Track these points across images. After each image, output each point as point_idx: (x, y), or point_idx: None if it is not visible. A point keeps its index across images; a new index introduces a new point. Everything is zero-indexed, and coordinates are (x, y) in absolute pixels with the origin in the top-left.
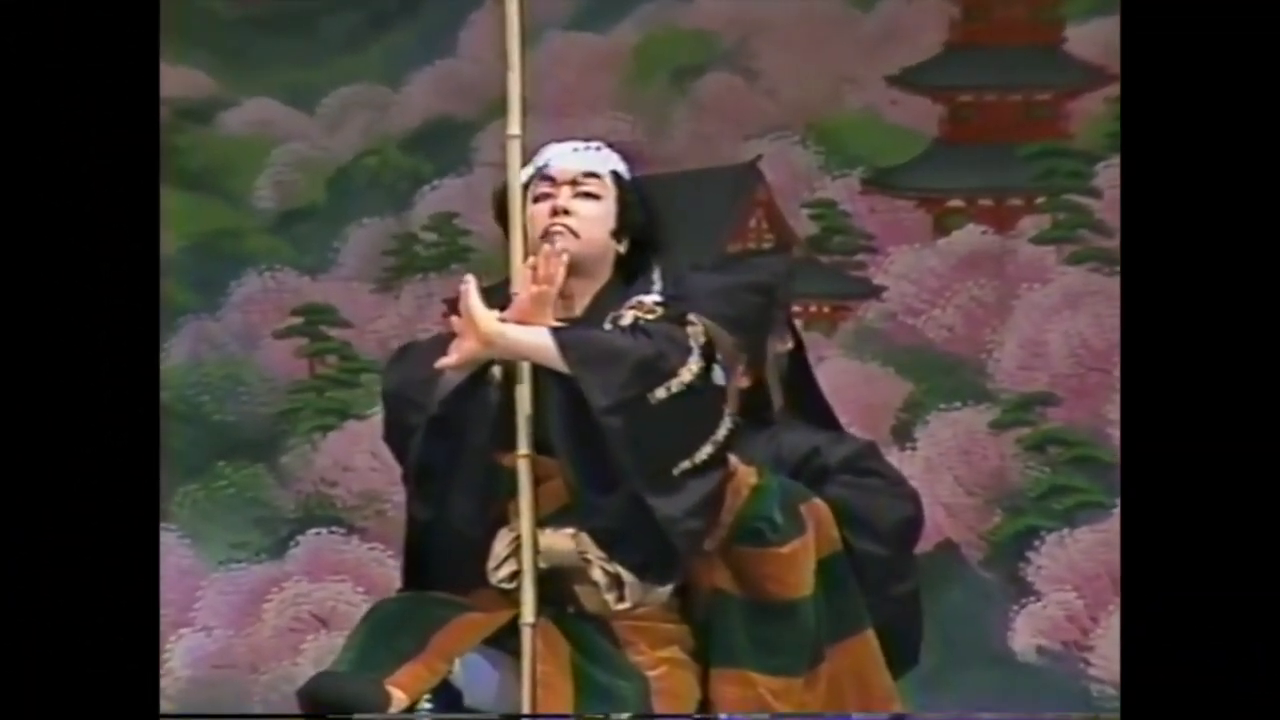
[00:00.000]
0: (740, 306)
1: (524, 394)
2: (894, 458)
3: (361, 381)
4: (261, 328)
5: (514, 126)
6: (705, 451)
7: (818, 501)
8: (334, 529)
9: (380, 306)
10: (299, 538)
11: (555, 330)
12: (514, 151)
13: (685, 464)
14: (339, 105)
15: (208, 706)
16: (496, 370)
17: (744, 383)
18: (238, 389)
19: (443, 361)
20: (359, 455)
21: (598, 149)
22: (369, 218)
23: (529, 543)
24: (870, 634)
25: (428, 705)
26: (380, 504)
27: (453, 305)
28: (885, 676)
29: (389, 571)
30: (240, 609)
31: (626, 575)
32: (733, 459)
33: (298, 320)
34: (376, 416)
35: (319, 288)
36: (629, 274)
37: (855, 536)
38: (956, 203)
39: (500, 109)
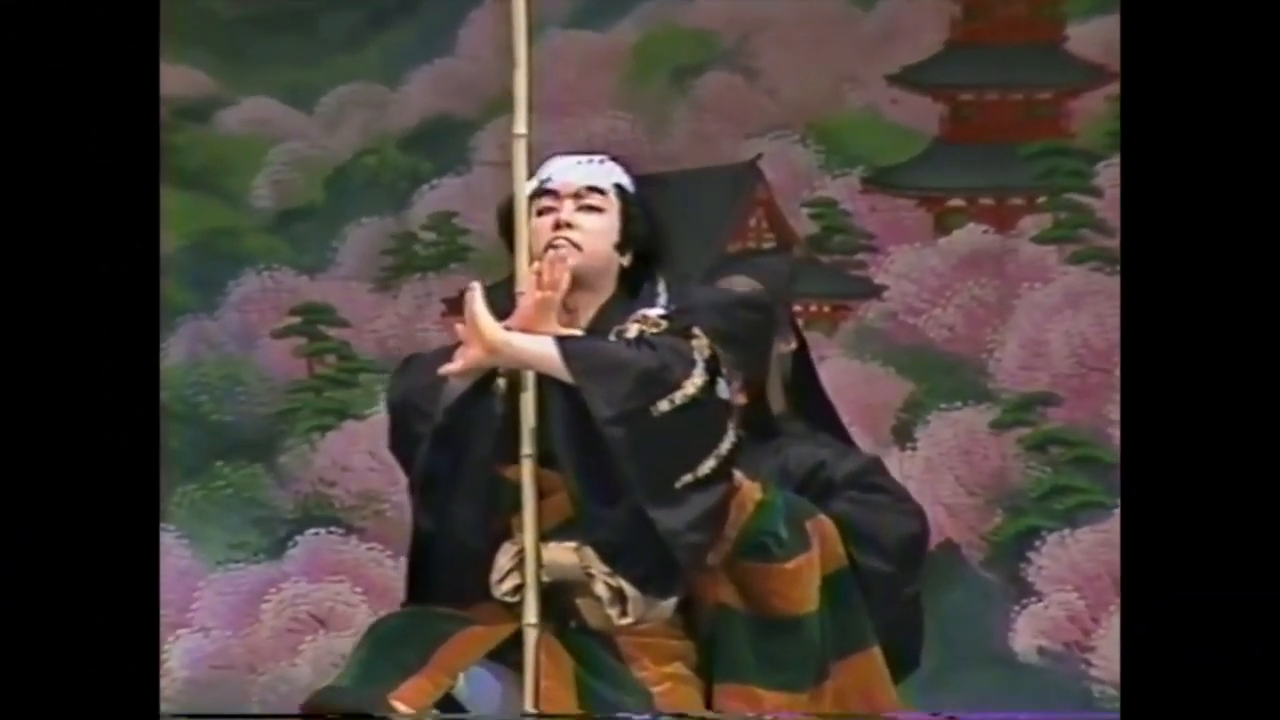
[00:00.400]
0: (736, 323)
1: (528, 405)
2: (895, 458)
3: (360, 381)
4: (260, 327)
5: (520, 125)
6: (708, 465)
7: (823, 518)
8: (332, 529)
9: (379, 306)
10: (297, 538)
11: (560, 340)
12: (520, 151)
13: (688, 477)
14: (337, 104)
15: (206, 707)
16: (501, 382)
17: (740, 399)
18: (236, 389)
19: (447, 368)
20: (357, 455)
21: (600, 162)
22: (367, 217)
23: (532, 555)
24: (876, 651)
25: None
26: (379, 504)
27: (452, 305)
28: (891, 693)
29: (387, 572)
30: (238, 610)
31: (629, 589)
32: (737, 474)
33: (296, 320)
34: (375, 417)
35: (317, 287)
36: (633, 287)
37: (861, 552)
38: (957, 202)
39: (500, 108)
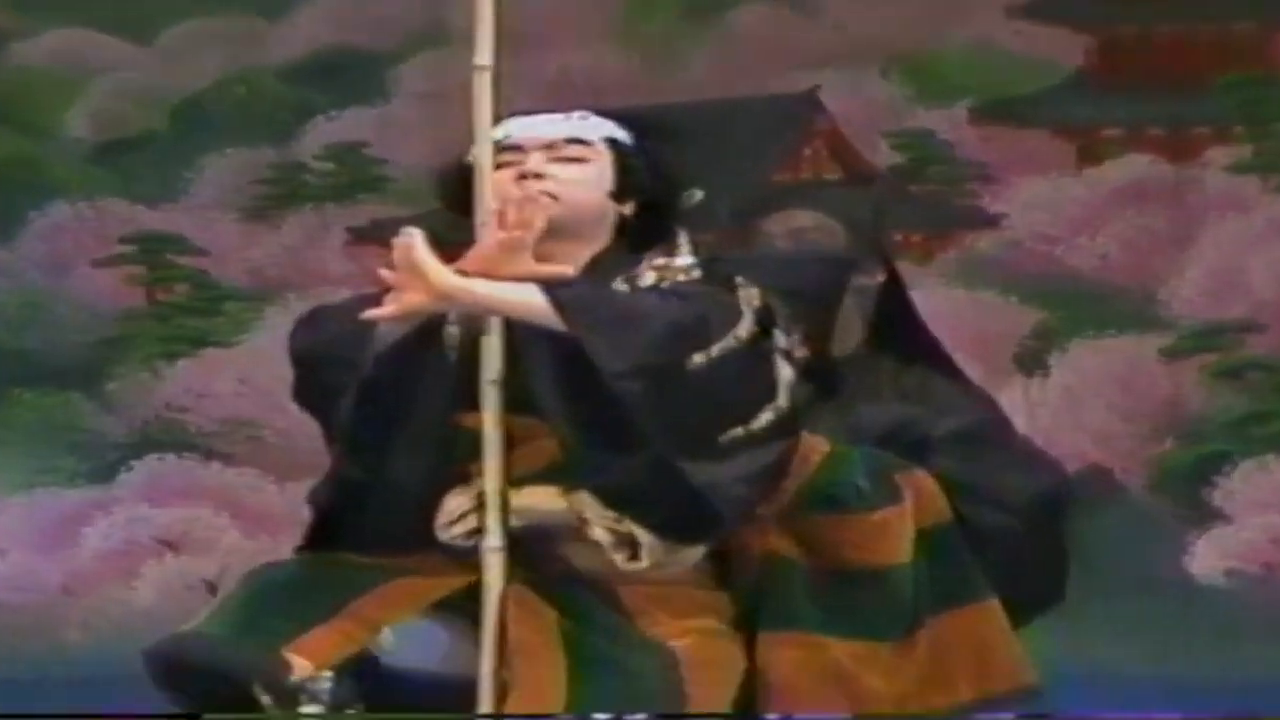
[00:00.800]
0: (805, 279)
1: (493, 351)
2: (1018, 385)
3: (225, 310)
4: (75, 257)
5: (483, 56)
6: (765, 418)
7: (919, 472)
8: (184, 454)
9: (252, 235)
10: (133, 463)
11: (550, 289)
12: (482, 85)
13: (738, 431)
14: (185, 36)
15: (9, 630)
16: (454, 329)
17: (802, 352)
18: (41, 317)
19: (376, 313)
20: (220, 382)
21: (583, 118)
22: (233, 148)
23: (495, 503)
24: (992, 604)
25: (327, 677)
26: (253, 430)
27: (360, 235)
28: (1010, 645)
29: (268, 498)
30: (48, 533)
31: (643, 534)
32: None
33: (129, 248)
34: (247, 344)
35: (160, 216)
36: (640, 237)
37: (975, 508)
38: (1113, 133)
39: (429, 40)
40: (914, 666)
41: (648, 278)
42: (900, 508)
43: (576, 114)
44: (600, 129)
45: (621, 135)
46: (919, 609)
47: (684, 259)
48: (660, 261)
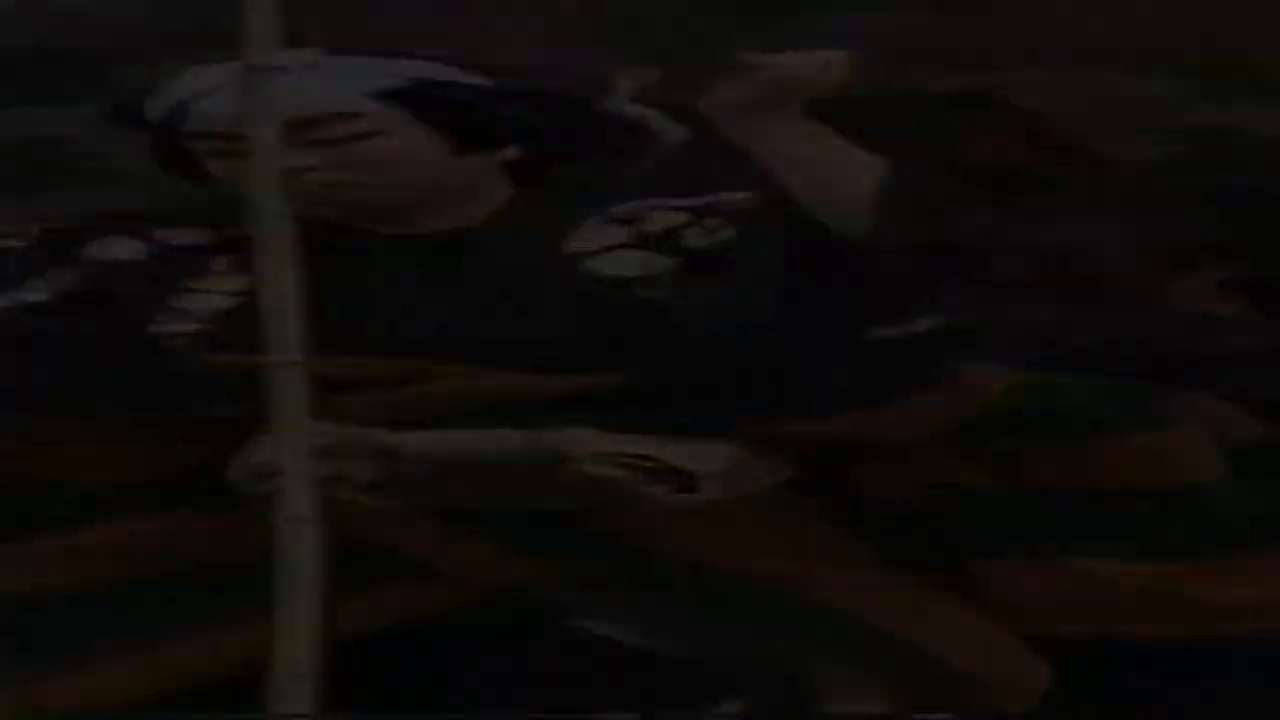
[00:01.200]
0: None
1: (289, 331)
2: None
3: None
4: None
5: (259, 54)
6: (924, 324)
7: (1199, 399)
8: None
9: None
10: None
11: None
12: (257, 87)
13: (886, 330)
14: None
15: None
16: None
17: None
18: None
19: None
20: None
21: (315, 68)
22: None
23: (299, 467)
24: None
25: None
26: None
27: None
28: None
29: None
30: None
31: (700, 464)
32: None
33: None
34: None
35: None
36: (574, 181)
37: None
38: None
39: (190, 41)
40: (1250, 585)
41: (654, 223)
42: (1177, 432)
43: (304, 53)
44: (360, 83)
45: (442, 74)
46: (1245, 526)
47: (682, 201)
48: (646, 209)
